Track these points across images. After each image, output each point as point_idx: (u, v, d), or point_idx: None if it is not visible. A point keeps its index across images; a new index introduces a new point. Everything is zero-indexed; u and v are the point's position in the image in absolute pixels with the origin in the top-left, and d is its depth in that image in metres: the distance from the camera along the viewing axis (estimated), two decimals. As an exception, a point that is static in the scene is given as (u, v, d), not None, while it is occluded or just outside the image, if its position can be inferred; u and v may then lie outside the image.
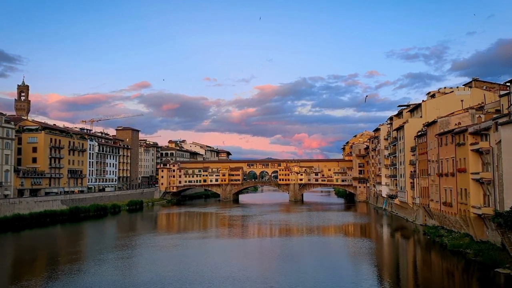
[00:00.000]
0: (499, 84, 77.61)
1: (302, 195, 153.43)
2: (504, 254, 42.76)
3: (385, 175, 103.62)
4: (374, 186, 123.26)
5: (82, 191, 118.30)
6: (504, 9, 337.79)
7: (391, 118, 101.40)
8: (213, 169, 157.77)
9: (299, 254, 54.13)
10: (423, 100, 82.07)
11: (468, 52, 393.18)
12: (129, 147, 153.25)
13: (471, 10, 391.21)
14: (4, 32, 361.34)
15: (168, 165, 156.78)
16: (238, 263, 48.28)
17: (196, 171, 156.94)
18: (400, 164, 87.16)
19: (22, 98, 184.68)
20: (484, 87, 78.58)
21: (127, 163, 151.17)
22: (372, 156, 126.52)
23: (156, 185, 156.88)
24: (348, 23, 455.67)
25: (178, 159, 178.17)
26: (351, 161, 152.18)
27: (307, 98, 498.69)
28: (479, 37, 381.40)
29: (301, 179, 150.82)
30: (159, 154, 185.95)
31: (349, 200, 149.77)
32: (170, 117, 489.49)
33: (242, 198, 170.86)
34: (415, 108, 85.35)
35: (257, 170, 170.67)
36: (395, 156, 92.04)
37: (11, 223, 78.41)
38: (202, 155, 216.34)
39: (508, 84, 50.76)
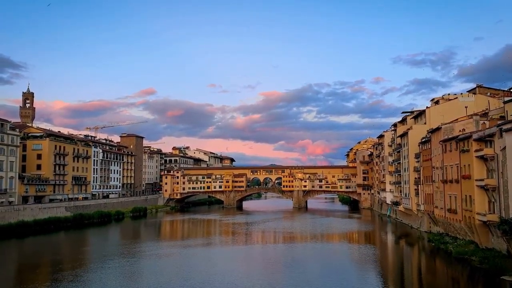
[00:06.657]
0: (503, 91, 77.55)
1: (306, 202, 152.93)
2: (509, 262, 42.44)
3: (389, 181, 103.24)
4: (378, 192, 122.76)
5: (86, 198, 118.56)
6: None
7: (395, 125, 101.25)
8: (217, 176, 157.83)
9: (303, 261, 53.92)
10: (427, 107, 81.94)
11: (475, 57, 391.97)
12: (133, 153, 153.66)
13: (478, 16, 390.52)
14: (10, 39, 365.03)
15: (172, 171, 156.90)
16: (242, 270, 48.18)
17: (200, 177, 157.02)
18: (404, 170, 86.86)
19: (27, 105, 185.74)
20: (488, 94, 78.46)
21: (131, 169, 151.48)
22: (376, 162, 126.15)
23: (160, 191, 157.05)
24: (354, 29, 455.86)
25: (181, 165, 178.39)
26: (355, 167, 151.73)
27: (313, 104, 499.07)
28: (486, 43, 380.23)
29: (305, 186, 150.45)
30: (163, 161, 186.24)
31: (353, 207, 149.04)
32: (175, 123, 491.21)
33: (246, 205, 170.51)
34: (419, 115, 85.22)
35: (261, 176, 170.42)
36: (399, 163, 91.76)
37: (15, 230, 78.72)
38: (206, 161, 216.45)
39: (512, 90, 50.65)
